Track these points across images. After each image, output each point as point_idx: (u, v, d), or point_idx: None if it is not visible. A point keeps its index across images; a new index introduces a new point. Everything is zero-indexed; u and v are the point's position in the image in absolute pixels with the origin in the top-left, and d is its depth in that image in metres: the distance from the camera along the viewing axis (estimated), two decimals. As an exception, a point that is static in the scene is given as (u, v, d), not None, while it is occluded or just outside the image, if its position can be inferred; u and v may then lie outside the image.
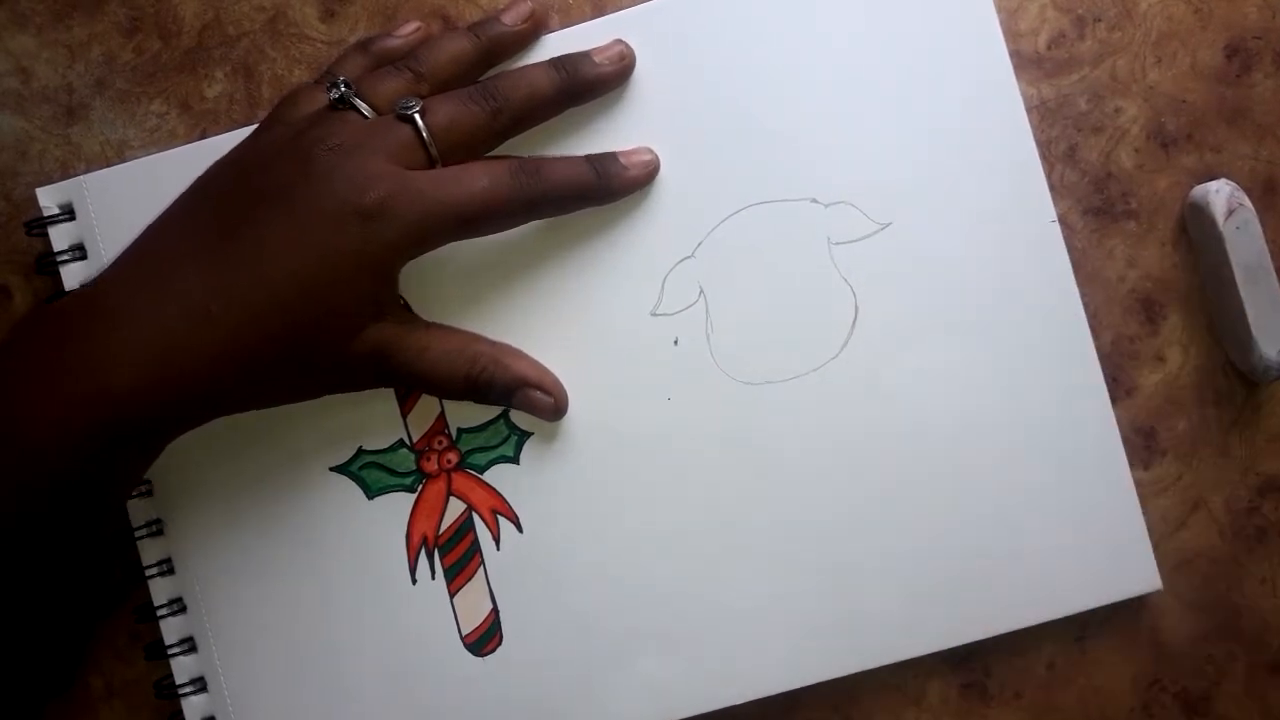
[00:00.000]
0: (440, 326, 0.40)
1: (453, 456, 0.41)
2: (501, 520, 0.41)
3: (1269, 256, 0.40)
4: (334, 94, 0.37)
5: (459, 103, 0.37)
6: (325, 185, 0.35)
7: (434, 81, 0.38)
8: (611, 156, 0.39)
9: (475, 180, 0.36)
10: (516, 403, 0.39)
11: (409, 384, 0.40)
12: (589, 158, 0.39)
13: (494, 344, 0.40)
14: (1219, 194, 0.39)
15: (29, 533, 0.35)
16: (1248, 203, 0.40)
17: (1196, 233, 0.41)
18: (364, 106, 0.37)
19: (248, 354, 0.35)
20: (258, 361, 0.35)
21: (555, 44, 0.41)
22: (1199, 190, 0.40)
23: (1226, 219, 0.39)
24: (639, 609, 0.41)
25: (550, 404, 0.39)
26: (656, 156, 0.40)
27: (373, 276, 0.35)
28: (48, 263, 0.42)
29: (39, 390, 0.34)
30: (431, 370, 0.38)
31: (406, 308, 0.40)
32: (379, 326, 0.37)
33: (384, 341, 0.37)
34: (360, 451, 0.41)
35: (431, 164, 0.36)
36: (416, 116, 0.36)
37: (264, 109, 0.43)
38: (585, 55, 0.39)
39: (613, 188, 0.39)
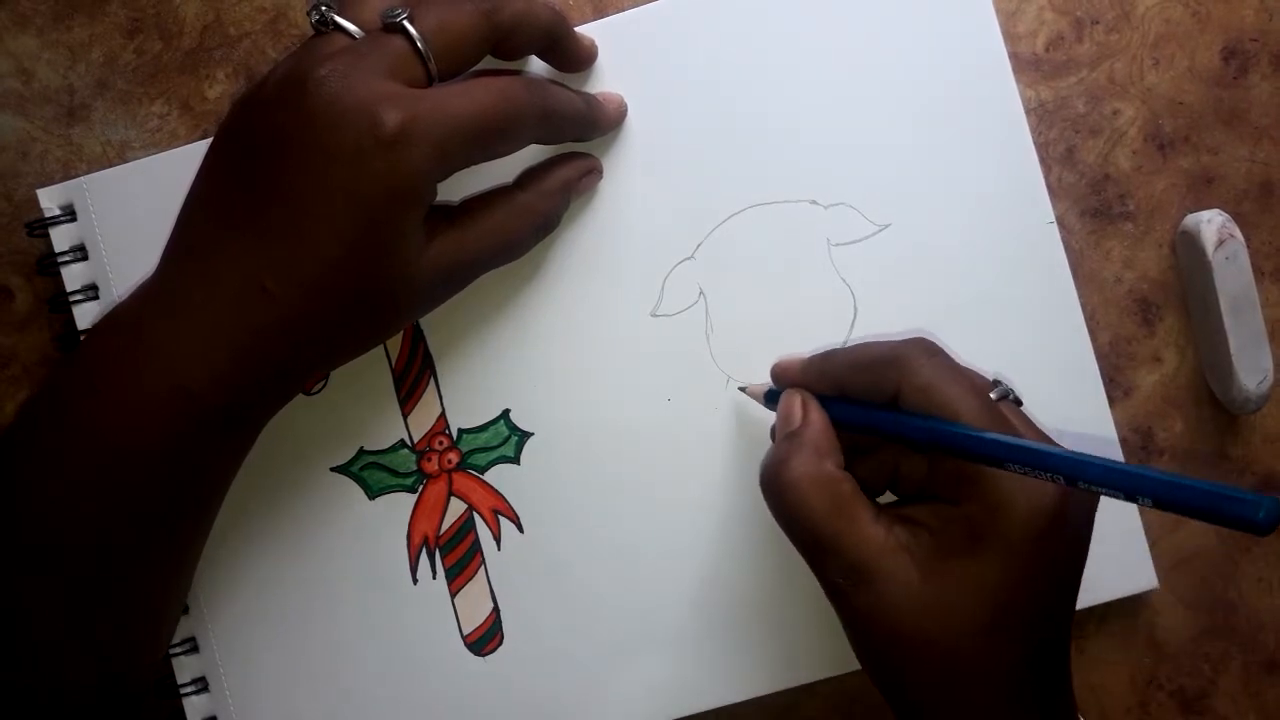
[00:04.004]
0: (477, 202, 0.38)
1: (453, 457, 0.41)
2: (502, 520, 0.41)
3: (1255, 290, 0.40)
4: (314, 16, 0.35)
5: (448, 3, 0.35)
6: (336, 120, 0.33)
7: None
8: (592, 95, 0.40)
9: (487, 91, 0.35)
10: (580, 191, 0.41)
11: (487, 269, 0.39)
12: (576, 91, 0.40)
13: (532, 190, 0.39)
14: (1210, 224, 0.40)
15: (122, 536, 0.34)
16: (1238, 234, 0.40)
17: (1186, 261, 0.41)
18: (349, 25, 0.35)
19: (314, 319, 0.34)
20: (327, 323, 0.34)
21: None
22: (1191, 219, 0.40)
23: (1216, 249, 0.39)
24: (640, 609, 0.41)
25: (597, 171, 0.41)
26: (624, 100, 0.41)
27: (407, 205, 0.34)
28: (49, 264, 0.42)
29: (118, 396, 0.33)
30: (502, 245, 0.38)
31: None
32: (430, 245, 0.35)
33: (441, 254, 0.36)
34: (361, 452, 0.42)
35: (429, 77, 0.35)
36: (405, 22, 0.34)
37: (265, 110, 0.43)
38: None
39: (597, 118, 0.40)
